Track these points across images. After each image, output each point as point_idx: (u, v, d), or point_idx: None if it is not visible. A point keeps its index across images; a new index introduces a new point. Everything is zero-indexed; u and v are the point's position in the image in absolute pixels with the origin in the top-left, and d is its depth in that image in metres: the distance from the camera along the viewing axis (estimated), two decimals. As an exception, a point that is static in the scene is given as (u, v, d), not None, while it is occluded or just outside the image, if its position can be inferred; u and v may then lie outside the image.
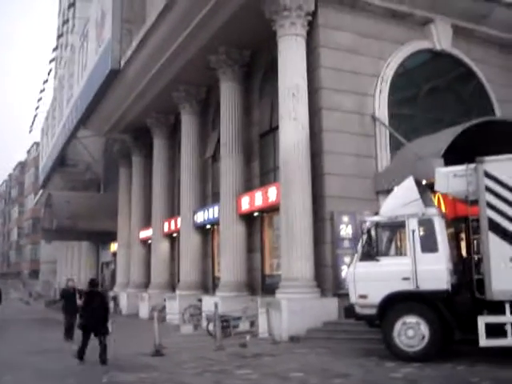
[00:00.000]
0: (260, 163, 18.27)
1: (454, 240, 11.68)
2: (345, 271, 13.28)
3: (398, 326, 10.15)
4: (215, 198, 20.12)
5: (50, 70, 43.62)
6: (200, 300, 18.10)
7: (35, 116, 44.99)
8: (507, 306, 9.51)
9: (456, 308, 10.08)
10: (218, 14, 16.63)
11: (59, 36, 44.86)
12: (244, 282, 17.47)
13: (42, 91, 42.27)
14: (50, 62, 43.89)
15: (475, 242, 10.70)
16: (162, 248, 24.41)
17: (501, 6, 17.28)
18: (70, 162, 37.59)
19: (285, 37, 15.05)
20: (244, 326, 14.88)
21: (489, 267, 9.65)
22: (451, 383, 8.83)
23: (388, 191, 13.09)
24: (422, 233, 10.44)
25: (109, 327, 11.32)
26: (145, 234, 26.59)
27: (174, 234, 23.96)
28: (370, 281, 10.54)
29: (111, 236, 31.19)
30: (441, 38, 16.93)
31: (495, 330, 9.47)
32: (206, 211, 20.30)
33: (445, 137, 13.58)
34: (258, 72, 18.52)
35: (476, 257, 10.49)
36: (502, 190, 9.70)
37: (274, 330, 13.71)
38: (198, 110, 21.67)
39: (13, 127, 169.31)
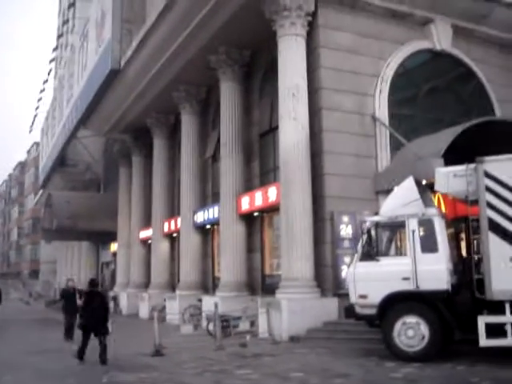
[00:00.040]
0: (260, 163, 18.28)
1: (454, 240, 11.67)
2: (345, 271, 13.28)
3: (397, 326, 10.16)
4: (215, 198, 20.12)
5: (50, 70, 43.67)
6: (200, 300, 18.10)
7: (35, 116, 45.09)
8: (507, 306, 9.52)
9: (456, 308, 10.08)
10: (218, 14, 16.63)
11: (59, 36, 44.85)
12: (244, 282, 17.47)
13: (42, 91, 42.35)
14: (50, 62, 43.94)
15: (475, 242, 10.69)
16: (162, 248, 24.41)
17: (501, 6, 17.28)
18: (70, 162, 37.56)
19: (285, 37, 15.05)
20: (244, 325, 14.88)
21: (489, 267, 9.66)
22: (451, 383, 8.84)
23: (388, 191, 13.09)
24: (422, 233, 10.44)
25: (109, 327, 11.32)
26: (145, 234, 26.59)
27: (174, 234, 23.96)
28: (370, 281, 10.55)
29: (111, 236, 31.18)
30: (441, 37, 16.92)
31: (495, 330, 9.47)
32: (206, 211, 20.30)
33: (445, 137, 13.58)
34: (258, 72, 18.52)
35: (476, 257, 10.49)
36: (502, 189, 9.70)
37: (274, 330, 13.71)
38: (198, 109, 21.67)
39: (13, 127, 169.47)
